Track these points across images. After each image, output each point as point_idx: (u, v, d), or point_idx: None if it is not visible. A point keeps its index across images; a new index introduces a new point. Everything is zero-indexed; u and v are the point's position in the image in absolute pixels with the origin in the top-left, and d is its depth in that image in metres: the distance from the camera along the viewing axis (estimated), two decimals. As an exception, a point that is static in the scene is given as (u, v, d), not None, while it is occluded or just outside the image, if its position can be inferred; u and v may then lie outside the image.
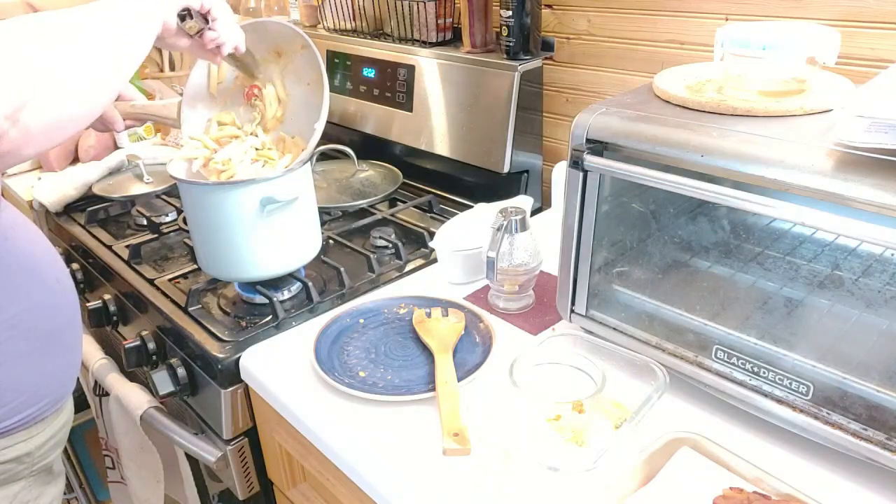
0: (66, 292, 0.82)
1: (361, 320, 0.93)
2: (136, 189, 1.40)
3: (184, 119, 0.99)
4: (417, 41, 1.34)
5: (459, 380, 0.78)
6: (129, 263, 1.16)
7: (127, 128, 0.99)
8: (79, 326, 0.85)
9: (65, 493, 0.91)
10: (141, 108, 0.99)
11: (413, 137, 1.36)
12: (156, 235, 1.25)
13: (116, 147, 1.58)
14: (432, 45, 1.32)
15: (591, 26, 1.14)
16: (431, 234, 1.09)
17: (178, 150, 1.00)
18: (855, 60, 0.86)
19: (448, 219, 1.09)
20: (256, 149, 0.98)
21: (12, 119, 0.56)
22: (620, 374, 0.75)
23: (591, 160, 0.73)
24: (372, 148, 1.45)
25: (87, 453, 1.59)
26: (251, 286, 1.02)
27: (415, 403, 0.77)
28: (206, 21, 0.81)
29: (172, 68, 1.78)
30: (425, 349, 0.86)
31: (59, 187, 1.38)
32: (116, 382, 1.08)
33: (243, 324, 0.98)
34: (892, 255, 0.65)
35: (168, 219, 1.32)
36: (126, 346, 1.05)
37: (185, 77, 1.01)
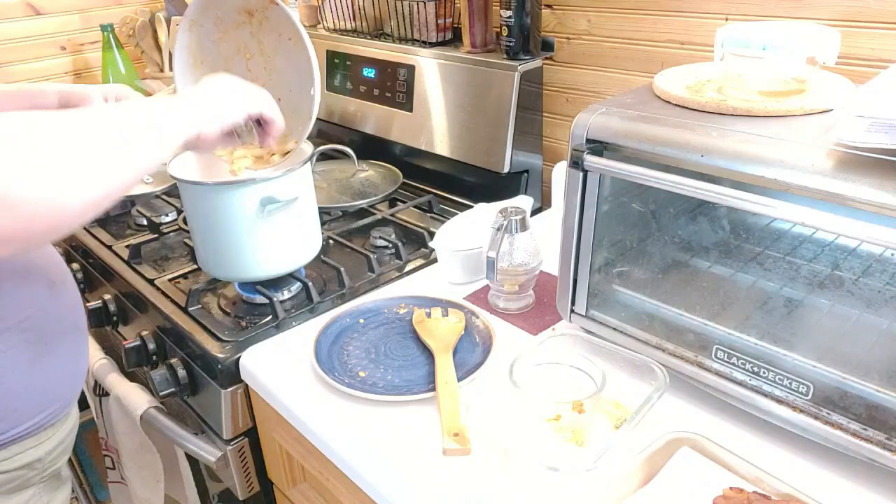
0: (70, 295, 0.82)
1: (361, 320, 0.93)
2: (136, 189, 1.40)
3: None
4: (417, 41, 1.34)
5: (459, 380, 0.78)
6: (129, 263, 1.16)
7: None
8: (84, 329, 0.85)
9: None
10: None
11: (413, 137, 1.36)
12: (156, 235, 1.25)
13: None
14: (432, 45, 1.32)
15: (591, 26, 1.14)
16: (431, 234, 1.09)
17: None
18: (855, 60, 0.86)
19: (448, 219, 1.09)
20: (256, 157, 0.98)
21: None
22: (620, 374, 0.75)
23: (591, 160, 0.73)
24: (372, 148, 1.45)
25: (87, 453, 1.59)
26: (251, 286, 1.02)
27: (415, 403, 0.77)
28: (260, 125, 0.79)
29: (172, 68, 1.78)
30: (425, 349, 0.86)
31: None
32: (116, 382, 1.08)
33: (243, 324, 0.98)
34: (892, 255, 0.65)
35: (168, 219, 1.32)
36: (126, 346, 1.05)
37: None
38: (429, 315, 0.91)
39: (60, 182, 0.54)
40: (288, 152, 0.98)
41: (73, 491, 1.55)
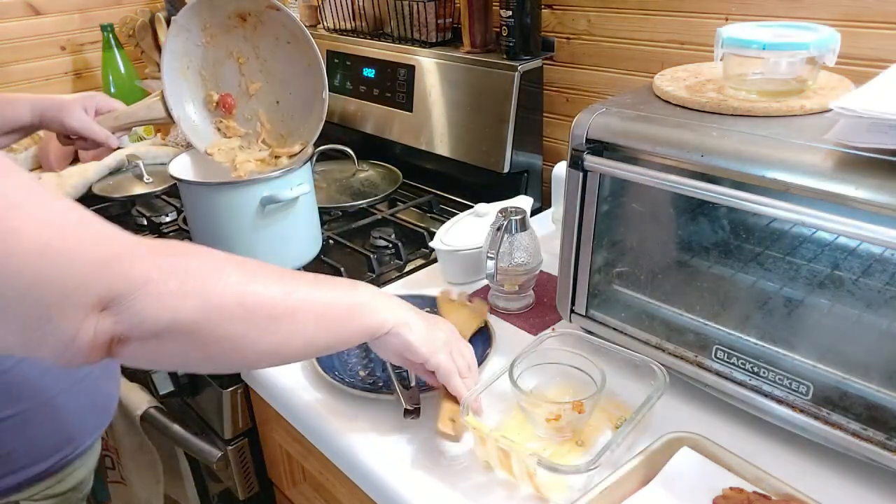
0: None
1: (361, 320, 0.93)
2: (136, 189, 1.40)
3: (178, 118, 0.97)
4: (417, 41, 1.34)
5: (459, 380, 0.78)
6: (129, 263, 1.16)
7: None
8: None
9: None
10: (126, 116, 0.97)
11: (413, 137, 1.36)
12: (156, 235, 1.25)
13: (116, 147, 1.58)
14: (432, 45, 1.32)
15: (591, 26, 1.14)
16: (431, 234, 1.09)
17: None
18: (855, 60, 0.86)
19: (448, 219, 1.09)
20: (260, 160, 0.98)
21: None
22: (620, 374, 0.75)
23: (591, 160, 0.73)
24: (372, 148, 1.45)
25: (87, 453, 1.59)
26: (251, 286, 1.02)
27: (415, 403, 0.77)
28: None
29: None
30: (425, 349, 0.85)
31: (58, 187, 1.38)
32: (116, 382, 1.08)
33: (243, 324, 0.97)
34: (892, 255, 0.65)
35: (168, 219, 1.32)
36: (126, 346, 1.05)
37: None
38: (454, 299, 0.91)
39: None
40: (294, 155, 0.98)
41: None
